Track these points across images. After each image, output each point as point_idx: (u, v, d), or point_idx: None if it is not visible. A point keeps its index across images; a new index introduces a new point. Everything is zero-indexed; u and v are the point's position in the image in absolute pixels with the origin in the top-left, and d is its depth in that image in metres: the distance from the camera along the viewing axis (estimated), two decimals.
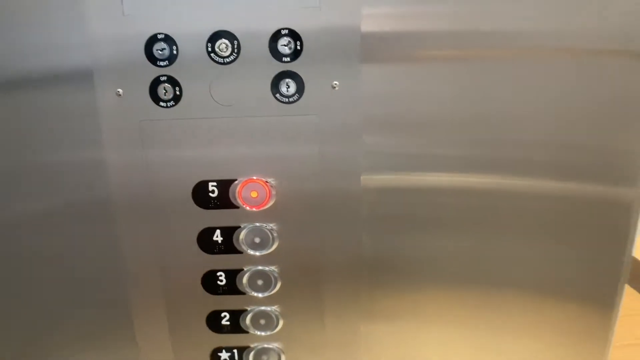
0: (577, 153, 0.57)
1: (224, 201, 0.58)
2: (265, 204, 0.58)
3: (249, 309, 0.64)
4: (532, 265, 0.61)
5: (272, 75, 0.54)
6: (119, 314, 0.65)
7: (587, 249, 0.61)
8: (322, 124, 0.56)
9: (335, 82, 0.54)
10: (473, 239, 0.60)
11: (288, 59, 0.53)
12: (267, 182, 0.58)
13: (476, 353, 0.66)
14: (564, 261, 0.61)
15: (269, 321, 0.64)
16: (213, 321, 0.65)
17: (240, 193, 0.58)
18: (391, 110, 0.56)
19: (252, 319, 0.64)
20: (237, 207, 0.59)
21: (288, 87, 0.54)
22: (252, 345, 0.66)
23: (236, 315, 0.64)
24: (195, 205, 0.59)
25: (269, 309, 0.64)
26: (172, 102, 0.55)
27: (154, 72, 0.54)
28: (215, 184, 0.58)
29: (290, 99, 0.55)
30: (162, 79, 0.55)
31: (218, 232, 0.60)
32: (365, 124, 0.56)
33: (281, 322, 0.64)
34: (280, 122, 0.56)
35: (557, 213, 0.59)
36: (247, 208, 0.59)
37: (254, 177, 0.58)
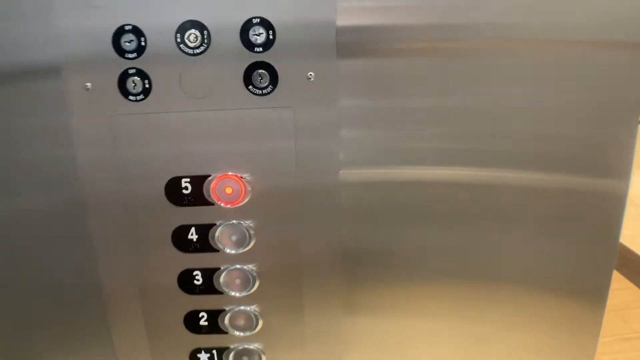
0: (565, 145, 0.55)
1: (198, 198, 0.57)
2: (241, 201, 0.56)
3: (227, 308, 0.62)
4: (518, 258, 0.60)
5: (245, 67, 0.52)
6: (95, 316, 0.63)
7: (576, 241, 0.59)
8: (297, 117, 0.54)
9: (310, 74, 0.52)
10: (455, 232, 0.59)
11: (260, 49, 0.51)
12: (242, 177, 0.56)
13: (461, 346, 0.64)
14: (553, 253, 0.60)
15: (248, 321, 0.62)
16: (191, 322, 0.63)
17: (215, 189, 0.56)
18: (369, 103, 0.54)
19: (230, 319, 0.62)
20: (211, 204, 0.57)
21: (261, 78, 0.52)
22: (231, 346, 0.64)
23: (214, 315, 0.62)
24: (168, 203, 0.57)
25: (247, 308, 0.62)
26: (141, 96, 0.53)
27: (122, 64, 0.52)
28: (188, 180, 0.56)
29: (264, 91, 0.53)
30: (131, 71, 0.53)
31: (193, 229, 0.58)
32: (342, 116, 0.54)
33: (261, 322, 0.63)
34: (254, 115, 0.54)
35: (543, 205, 0.58)
36: (222, 205, 0.57)
37: (229, 173, 0.56)
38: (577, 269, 0.60)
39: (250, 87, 0.53)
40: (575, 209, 0.58)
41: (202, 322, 0.63)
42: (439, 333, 0.63)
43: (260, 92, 0.53)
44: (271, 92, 0.53)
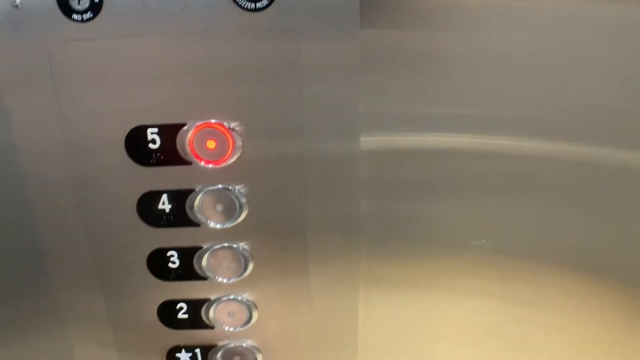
0: (607, 115, 0.43)
1: (170, 154, 0.42)
2: (228, 158, 0.42)
3: (212, 298, 0.49)
4: (557, 236, 0.48)
5: None
6: (46, 305, 0.50)
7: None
8: (306, 41, 0.39)
9: None
10: (484, 205, 0.46)
11: None
12: (229, 127, 0.41)
13: (492, 326, 0.52)
14: (600, 234, 0.47)
15: (239, 314, 0.49)
16: (167, 314, 0.49)
17: (192, 143, 0.42)
18: (395, 48, 0.40)
19: (217, 311, 0.49)
20: (188, 162, 0.43)
21: None
22: (219, 344, 0.51)
23: (197, 306, 0.49)
24: (130, 161, 0.43)
25: (238, 297, 0.48)
26: (89, 14, 0.39)
27: None
28: (156, 130, 0.42)
29: (258, 4, 0.38)
30: None
31: (164, 197, 0.44)
32: (364, 58, 0.40)
33: (255, 314, 0.49)
34: (245, 39, 0.39)
35: (587, 180, 0.45)
36: (203, 164, 0.42)
37: (211, 121, 0.41)
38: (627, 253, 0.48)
39: None
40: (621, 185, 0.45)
41: (182, 315, 0.49)
42: (466, 311, 0.52)
43: (252, 5, 0.38)
44: (268, 4, 0.38)
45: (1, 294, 0.50)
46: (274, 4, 0.38)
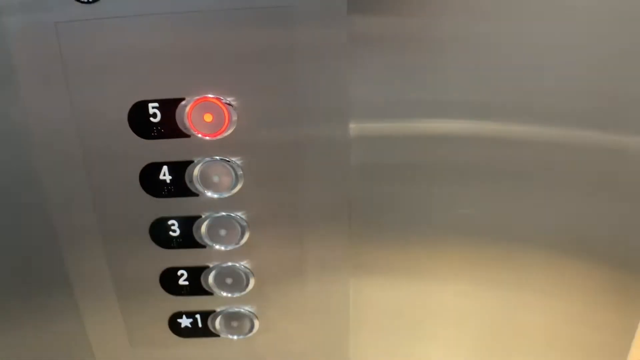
0: (597, 100, 0.44)
1: (170, 127, 0.45)
2: (224, 131, 0.45)
3: (211, 265, 0.52)
4: (552, 220, 0.49)
5: None
6: (53, 271, 0.53)
7: (620, 205, 0.48)
8: (296, 24, 0.41)
9: None
10: (474, 191, 0.48)
11: None
12: (225, 102, 0.44)
13: (487, 311, 0.54)
14: (592, 217, 0.49)
15: (237, 280, 0.52)
16: (169, 281, 0.52)
17: (190, 116, 0.44)
18: (384, 33, 0.42)
19: (216, 278, 0.52)
20: (187, 135, 0.45)
21: None
22: (218, 309, 0.54)
23: (196, 273, 0.52)
24: (132, 134, 0.45)
25: (236, 264, 0.51)
26: None
27: None
28: (156, 105, 0.44)
29: None
30: None
31: (165, 169, 0.47)
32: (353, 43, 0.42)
33: (252, 281, 0.52)
34: (243, 15, 0.41)
35: (580, 164, 0.47)
36: (200, 136, 0.45)
37: (209, 95, 0.44)
38: (621, 237, 0.50)
39: None
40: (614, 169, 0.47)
41: (182, 282, 0.52)
42: (453, 293, 0.54)
43: None
44: None
45: (12, 263, 0.53)
46: None
